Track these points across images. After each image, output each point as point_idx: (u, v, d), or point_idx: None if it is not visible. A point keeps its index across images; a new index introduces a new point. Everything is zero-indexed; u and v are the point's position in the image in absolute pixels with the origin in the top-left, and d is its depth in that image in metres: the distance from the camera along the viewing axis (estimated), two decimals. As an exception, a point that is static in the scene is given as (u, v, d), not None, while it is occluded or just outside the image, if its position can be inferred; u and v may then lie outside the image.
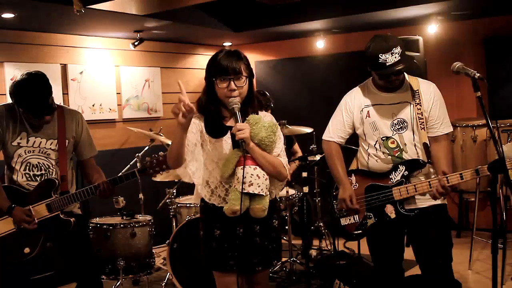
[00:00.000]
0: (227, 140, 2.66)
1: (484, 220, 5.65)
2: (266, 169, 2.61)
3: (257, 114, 2.69)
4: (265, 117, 2.73)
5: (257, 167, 2.59)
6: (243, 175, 2.52)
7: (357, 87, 3.28)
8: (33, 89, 3.18)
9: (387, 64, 2.97)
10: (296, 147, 5.56)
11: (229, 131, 2.66)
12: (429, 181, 3.04)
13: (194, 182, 2.71)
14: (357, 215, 3.22)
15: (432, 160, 3.11)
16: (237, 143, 2.57)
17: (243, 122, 2.58)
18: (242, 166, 2.53)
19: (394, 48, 2.97)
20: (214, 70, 2.62)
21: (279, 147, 2.72)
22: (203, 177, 2.70)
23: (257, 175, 2.57)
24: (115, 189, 3.34)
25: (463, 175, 2.96)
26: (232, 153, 2.61)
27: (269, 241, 2.75)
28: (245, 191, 2.54)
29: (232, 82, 2.58)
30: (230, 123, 2.70)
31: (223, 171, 2.59)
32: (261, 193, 2.57)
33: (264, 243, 2.73)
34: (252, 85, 2.70)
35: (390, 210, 3.13)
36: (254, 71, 2.73)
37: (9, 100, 4.89)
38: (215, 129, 2.67)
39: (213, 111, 2.67)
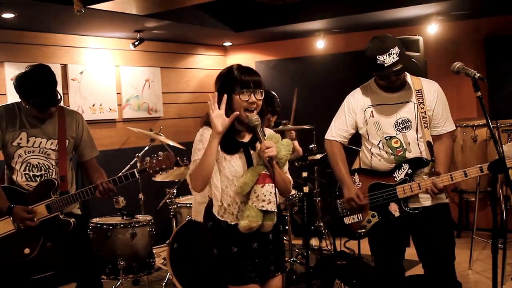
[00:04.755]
0: (241, 156, 2.65)
1: (484, 220, 5.66)
2: (279, 186, 2.64)
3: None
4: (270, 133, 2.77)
5: (273, 184, 2.61)
6: (275, 193, 2.58)
7: (360, 87, 3.29)
8: (40, 78, 3.18)
9: (385, 65, 2.99)
10: (296, 144, 5.53)
11: (241, 147, 2.66)
12: (433, 179, 3.04)
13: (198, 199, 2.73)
14: (360, 214, 3.22)
15: (434, 158, 3.13)
16: (251, 160, 2.62)
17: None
18: (261, 184, 2.57)
19: (392, 49, 2.99)
20: (234, 84, 2.61)
21: (286, 164, 2.76)
22: (216, 195, 2.66)
23: (274, 192, 2.61)
24: (115, 189, 3.33)
25: (467, 172, 2.99)
26: (253, 170, 2.61)
27: (280, 246, 2.80)
28: (264, 209, 2.57)
29: (252, 95, 2.60)
30: (245, 139, 2.70)
31: (243, 189, 2.58)
32: (274, 210, 2.62)
33: (276, 249, 2.75)
34: (264, 100, 2.71)
35: (394, 208, 3.14)
36: None
37: (9, 100, 4.93)
38: (230, 145, 2.66)
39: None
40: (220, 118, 2.55)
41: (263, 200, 2.56)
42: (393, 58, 2.98)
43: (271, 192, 2.58)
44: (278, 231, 2.78)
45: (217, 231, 2.69)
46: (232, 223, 2.63)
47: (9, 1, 4.06)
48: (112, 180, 3.30)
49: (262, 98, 2.65)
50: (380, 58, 2.99)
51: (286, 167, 2.74)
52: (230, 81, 2.63)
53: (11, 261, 3.29)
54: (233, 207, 2.64)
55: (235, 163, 2.64)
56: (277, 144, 2.62)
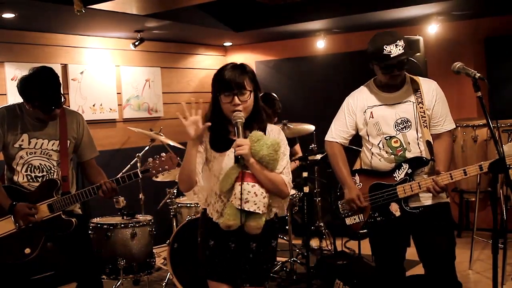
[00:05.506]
0: (230, 154, 2.61)
1: (484, 220, 5.65)
2: (266, 186, 2.57)
3: (265, 128, 2.68)
4: (272, 131, 2.71)
5: (256, 184, 2.55)
6: (241, 192, 2.51)
7: (359, 88, 3.30)
8: (44, 81, 3.18)
9: (392, 55, 3.00)
10: (297, 147, 5.55)
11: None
12: (432, 179, 3.04)
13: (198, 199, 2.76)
14: (362, 214, 3.23)
15: (434, 157, 3.13)
16: (238, 158, 2.55)
17: (246, 137, 2.55)
18: (240, 183, 2.52)
19: (399, 41, 3.02)
20: (218, 85, 2.60)
21: (283, 164, 2.65)
22: (204, 194, 2.70)
23: (255, 192, 2.55)
24: (118, 188, 3.33)
25: (466, 171, 2.99)
26: (232, 168, 2.58)
27: (263, 261, 2.72)
28: (240, 208, 2.53)
29: (235, 97, 2.55)
30: (235, 137, 2.64)
31: (222, 186, 2.56)
32: (257, 211, 2.54)
33: (257, 262, 2.69)
34: (258, 99, 2.66)
35: (395, 208, 3.14)
36: (254, 71, 2.70)
37: (9, 101, 4.93)
38: (220, 143, 2.65)
39: (218, 126, 2.64)
40: (193, 125, 2.51)
41: (240, 199, 2.51)
42: (400, 49, 3.00)
43: (249, 191, 2.53)
44: (268, 245, 2.72)
45: (204, 220, 2.74)
46: (216, 221, 2.64)
47: (9, 1, 4.06)
48: (115, 180, 3.30)
49: (249, 98, 2.59)
50: (387, 48, 3.00)
51: (280, 167, 2.62)
52: (216, 82, 2.63)
53: (11, 261, 3.28)
54: (218, 205, 2.64)
55: (223, 161, 2.62)
56: (258, 143, 2.54)
